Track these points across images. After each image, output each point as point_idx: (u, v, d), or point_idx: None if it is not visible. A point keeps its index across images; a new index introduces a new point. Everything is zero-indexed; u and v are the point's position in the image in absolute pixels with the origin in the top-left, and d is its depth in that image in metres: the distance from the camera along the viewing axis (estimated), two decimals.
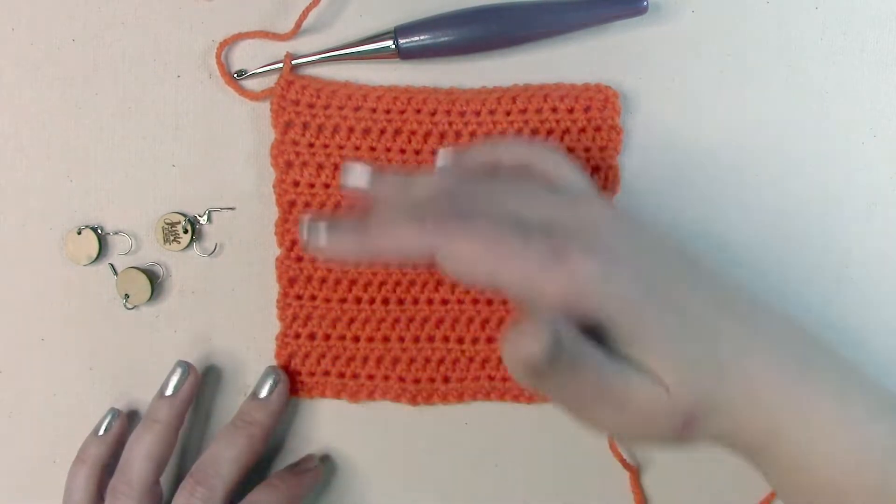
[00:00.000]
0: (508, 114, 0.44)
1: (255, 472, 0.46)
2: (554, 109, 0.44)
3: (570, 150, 0.45)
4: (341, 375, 0.45)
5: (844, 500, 0.35)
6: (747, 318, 0.36)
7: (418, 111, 0.44)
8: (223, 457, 0.42)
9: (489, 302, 0.45)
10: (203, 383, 0.46)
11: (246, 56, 0.46)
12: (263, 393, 0.44)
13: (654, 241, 0.37)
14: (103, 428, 0.44)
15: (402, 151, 0.44)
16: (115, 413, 0.45)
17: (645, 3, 0.44)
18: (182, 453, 0.46)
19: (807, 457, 0.35)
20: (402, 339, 0.45)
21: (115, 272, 0.46)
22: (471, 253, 0.34)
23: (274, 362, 0.45)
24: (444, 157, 0.41)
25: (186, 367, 0.44)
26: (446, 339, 0.45)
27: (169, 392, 0.44)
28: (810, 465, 0.35)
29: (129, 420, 0.46)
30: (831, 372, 0.36)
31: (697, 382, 0.34)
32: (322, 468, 0.45)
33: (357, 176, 0.39)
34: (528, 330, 0.31)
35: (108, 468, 0.44)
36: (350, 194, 0.39)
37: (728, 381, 0.34)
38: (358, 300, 0.45)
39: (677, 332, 0.34)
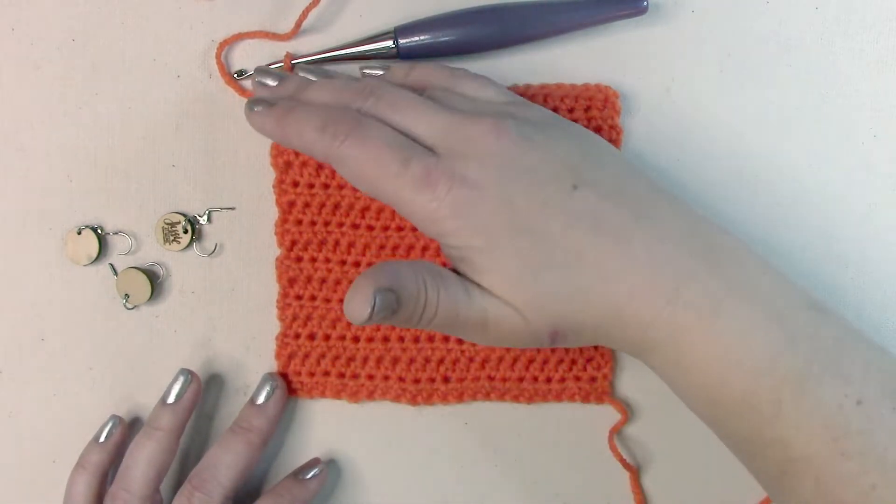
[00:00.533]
0: None
1: (256, 473, 0.46)
2: (554, 109, 0.44)
3: None
4: (341, 376, 0.45)
5: (715, 409, 0.37)
6: (621, 240, 0.36)
7: None
8: (221, 462, 0.42)
9: None
10: (202, 383, 0.46)
11: (246, 56, 0.46)
12: (261, 399, 0.44)
13: (540, 158, 0.37)
14: (104, 435, 0.44)
15: None
16: (116, 420, 0.45)
17: (645, 3, 0.44)
18: (180, 455, 0.46)
19: (677, 367, 0.37)
20: (401, 340, 0.45)
21: (115, 272, 0.46)
22: (356, 167, 0.37)
23: (274, 362, 0.45)
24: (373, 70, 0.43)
25: (189, 374, 0.44)
26: (446, 339, 0.45)
27: (171, 400, 0.44)
28: (683, 372, 0.37)
29: (129, 424, 0.46)
30: (712, 285, 0.36)
31: (554, 310, 0.36)
32: (327, 471, 0.45)
33: (268, 78, 0.42)
34: (356, 297, 0.35)
35: (108, 475, 0.44)
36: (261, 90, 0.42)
37: (591, 305, 0.36)
38: None
39: (531, 261, 0.36)
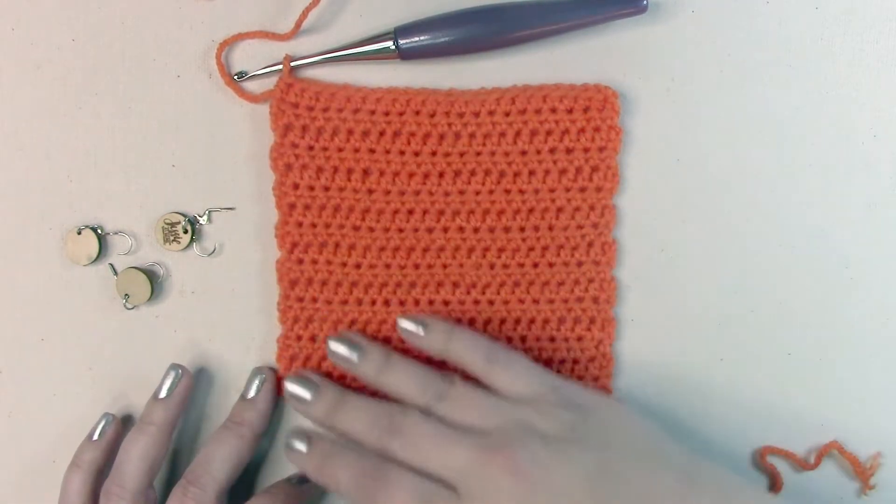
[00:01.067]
0: (508, 114, 0.44)
1: (255, 473, 0.46)
2: (553, 110, 0.44)
3: (570, 150, 0.45)
4: (342, 378, 0.45)
5: None
6: None
7: (417, 113, 0.44)
8: (215, 457, 0.43)
9: (490, 303, 0.45)
10: (202, 383, 0.46)
11: (246, 56, 0.46)
12: (251, 394, 0.45)
13: (558, 488, 0.37)
14: (97, 433, 0.44)
15: (402, 153, 0.44)
16: (109, 418, 0.45)
17: (645, 2, 0.44)
18: (178, 454, 0.46)
19: None
20: (402, 341, 0.45)
21: (115, 272, 0.46)
22: None
23: (274, 363, 0.45)
24: (407, 327, 0.44)
25: (180, 369, 0.44)
26: None
27: (163, 394, 0.44)
28: None
29: (125, 422, 0.46)
30: None
31: None
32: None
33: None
34: None
35: (102, 472, 0.44)
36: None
37: None
38: (359, 302, 0.45)
39: None
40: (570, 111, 0.44)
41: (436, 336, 0.43)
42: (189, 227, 0.45)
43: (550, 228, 0.45)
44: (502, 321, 0.45)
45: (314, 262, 0.45)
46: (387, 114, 0.44)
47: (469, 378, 0.42)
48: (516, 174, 0.45)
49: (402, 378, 0.42)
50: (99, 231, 0.46)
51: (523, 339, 0.45)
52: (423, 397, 0.41)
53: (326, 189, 0.45)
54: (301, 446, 0.41)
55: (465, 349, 0.42)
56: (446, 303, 0.45)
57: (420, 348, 0.43)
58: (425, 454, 0.39)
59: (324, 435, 0.42)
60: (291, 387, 0.43)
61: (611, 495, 0.37)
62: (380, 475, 0.39)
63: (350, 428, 0.41)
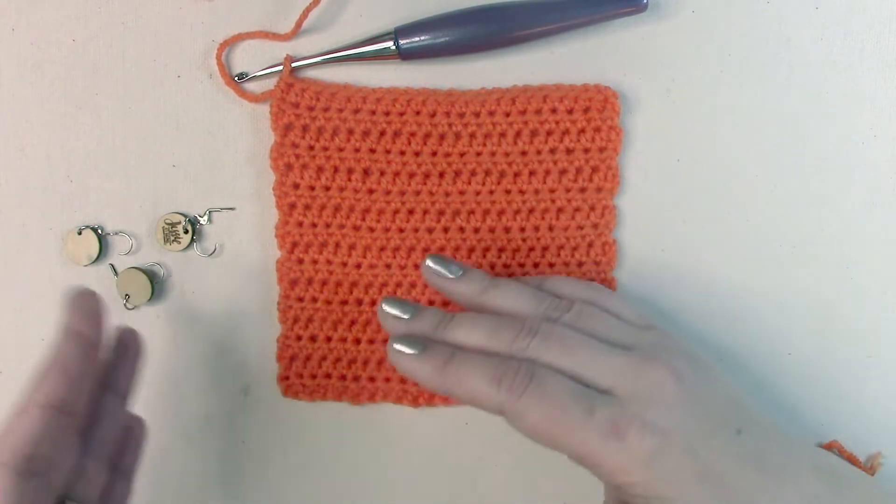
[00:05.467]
0: (508, 115, 0.44)
1: (256, 473, 0.46)
2: (553, 110, 0.44)
3: (570, 150, 0.45)
4: (343, 378, 0.45)
5: None
6: (785, 479, 0.36)
7: (418, 113, 0.44)
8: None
9: None
10: (202, 383, 0.46)
11: (246, 56, 0.46)
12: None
13: (711, 402, 0.37)
14: None
15: (402, 153, 0.44)
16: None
17: (644, 0, 0.44)
18: (177, 454, 0.46)
19: None
20: None
21: (116, 272, 0.46)
22: (537, 421, 0.36)
23: (275, 363, 0.45)
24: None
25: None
26: None
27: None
28: None
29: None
30: None
31: None
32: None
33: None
34: None
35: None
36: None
37: None
38: (359, 302, 0.45)
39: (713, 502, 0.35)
40: (570, 111, 0.44)
41: (529, 281, 0.42)
42: (189, 228, 0.45)
43: (550, 229, 0.45)
44: None
45: (314, 262, 0.45)
46: (387, 114, 0.44)
47: None
48: (516, 174, 0.45)
49: (512, 294, 0.40)
50: (99, 231, 0.46)
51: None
52: (539, 309, 0.39)
53: (326, 189, 0.45)
54: (411, 349, 0.37)
55: (564, 283, 0.41)
56: (446, 303, 0.45)
57: (452, 294, 0.41)
58: (575, 356, 0.37)
59: (438, 340, 0.38)
60: (388, 307, 0.39)
61: (748, 422, 0.37)
62: (528, 370, 0.36)
63: (469, 335, 0.38)
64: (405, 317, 0.39)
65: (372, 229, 0.45)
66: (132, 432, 0.42)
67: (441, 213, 0.45)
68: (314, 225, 0.45)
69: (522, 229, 0.45)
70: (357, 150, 0.44)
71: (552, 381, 0.36)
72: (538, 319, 0.38)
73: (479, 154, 0.45)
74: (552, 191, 0.45)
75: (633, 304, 0.42)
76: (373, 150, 0.44)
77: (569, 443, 0.36)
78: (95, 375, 0.39)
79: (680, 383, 0.36)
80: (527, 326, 0.38)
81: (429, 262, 0.41)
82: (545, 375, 0.36)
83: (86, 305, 0.38)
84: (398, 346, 0.38)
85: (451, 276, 0.40)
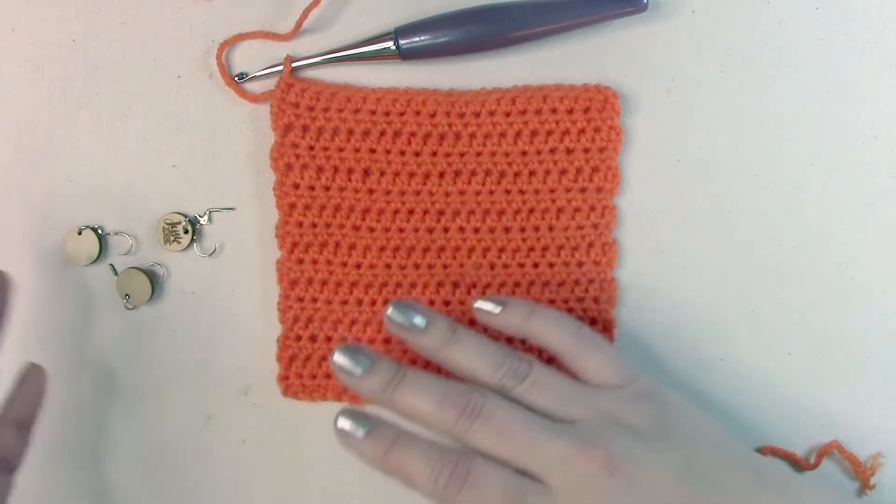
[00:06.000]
0: (508, 115, 0.44)
1: (256, 475, 0.46)
2: (553, 110, 0.44)
3: (570, 150, 0.45)
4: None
5: None
6: None
7: (418, 113, 0.44)
8: None
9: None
10: (202, 384, 0.46)
11: (246, 56, 0.46)
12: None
13: (650, 487, 0.37)
14: None
15: (402, 153, 0.44)
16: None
17: (645, 0, 0.44)
18: (178, 453, 0.46)
19: None
20: (402, 341, 0.45)
21: (116, 272, 0.46)
22: None
23: (275, 363, 0.45)
24: (481, 310, 0.42)
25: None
26: None
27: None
28: None
29: (124, 422, 0.46)
30: None
31: None
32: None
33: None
34: None
35: None
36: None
37: None
38: (359, 302, 0.45)
39: None
40: (570, 111, 0.44)
41: (516, 311, 0.41)
42: (189, 228, 0.45)
43: (551, 229, 0.45)
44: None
45: (314, 262, 0.45)
46: (387, 114, 0.44)
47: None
48: (516, 174, 0.45)
49: (472, 352, 0.39)
50: (99, 231, 0.46)
51: (524, 339, 0.45)
52: (495, 375, 0.39)
53: (326, 189, 0.45)
54: (358, 430, 0.38)
55: (550, 324, 0.41)
56: (446, 303, 0.45)
57: (498, 327, 0.41)
58: (512, 443, 0.37)
59: (384, 418, 0.39)
60: (340, 358, 0.39)
61: (698, 492, 0.37)
62: (463, 468, 0.37)
63: (415, 405, 0.38)
64: (356, 372, 0.39)
65: (372, 229, 0.45)
66: (28, 380, 0.42)
67: (441, 213, 0.45)
68: (314, 225, 0.45)
69: (522, 229, 0.45)
70: (357, 150, 0.44)
71: (485, 480, 0.37)
72: (481, 398, 0.38)
73: (479, 154, 0.45)
74: (552, 191, 0.45)
75: (622, 355, 0.41)
76: (373, 150, 0.44)
77: None
78: None
79: (612, 473, 0.36)
80: (470, 406, 0.38)
81: (389, 313, 0.40)
82: (480, 473, 0.37)
83: None
84: (342, 426, 0.38)
85: (413, 327, 0.40)
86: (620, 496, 0.36)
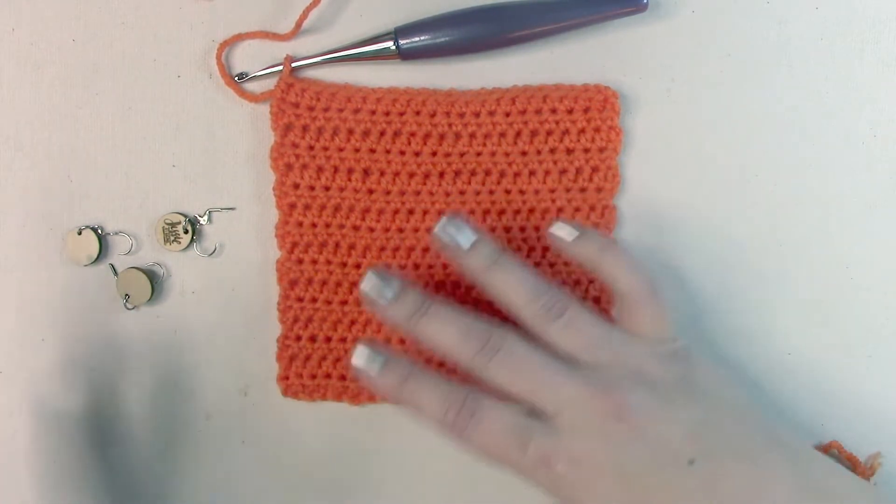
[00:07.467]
0: (508, 115, 0.44)
1: (256, 475, 0.46)
2: (553, 110, 0.44)
3: (570, 150, 0.45)
4: (343, 378, 0.45)
5: None
6: None
7: (417, 113, 0.44)
8: None
9: (491, 303, 0.45)
10: (202, 384, 0.46)
11: (246, 56, 0.46)
12: None
13: (660, 436, 0.37)
14: None
15: (402, 153, 0.45)
16: None
17: (645, 0, 0.44)
18: (178, 453, 0.46)
19: None
20: (402, 342, 0.45)
21: (116, 272, 0.46)
22: (475, 451, 0.38)
23: (274, 363, 0.45)
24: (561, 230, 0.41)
25: None
26: None
27: None
28: None
29: (125, 421, 0.46)
30: None
31: None
32: None
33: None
34: None
35: None
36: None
37: None
38: (359, 302, 0.45)
39: None
40: (570, 111, 0.44)
41: (591, 242, 0.40)
42: (189, 228, 0.45)
43: None
44: (502, 322, 0.45)
45: (314, 262, 0.45)
46: (387, 114, 0.44)
47: None
48: (516, 174, 0.45)
49: (514, 279, 0.40)
50: (99, 231, 0.46)
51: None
52: (532, 307, 0.39)
53: (326, 189, 0.45)
54: (372, 366, 0.39)
55: (622, 263, 0.40)
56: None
57: (570, 255, 0.41)
58: (527, 380, 0.38)
59: (399, 353, 0.40)
60: (370, 282, 0.40)
61: (707, 450, 0.37)
62: (471, 405, 0.38)
63: (438, 334, 0.39)
64: (384, 298, 0.39)
65: (372, 229, 0.45)
66: None
67: (441, 213, 0.45)
68: (314, 225, 0.45)
69: (522, 229, 0.45)
70: (357, 150, 0.44)
71: (492, 417, 0.38)
72: (502, 335, 0.38)
73: (479, 154, 0.45)
74: (552, 191, 0.45)
75: (673, 316, 0.41)
76: (373, 150, 0.44)
77: (504, 466, 0.38)
78: None
79: (621, 420, 0.37)
80: (491, 342, 0.38)
81: (438, 229, 0.40)
82: (487, 410, 0.38)
83: None
84: (357, 363, 0.39)
85: (459, 246, 0.40)
86: (625, 444, 0.36)
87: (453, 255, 0.40)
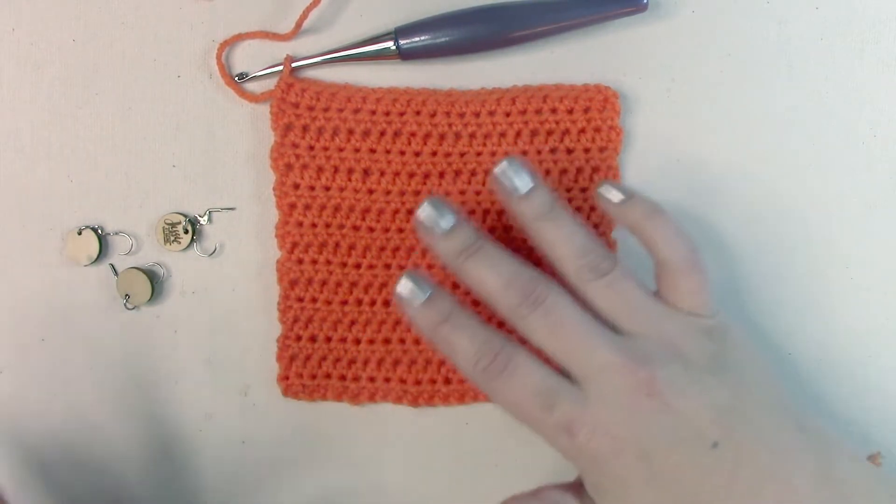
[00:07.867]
0: (508, 115, 0.44)
1: (255, 476, 0.46)
2: (553, 110, 0.44)
3: (570, 150, 0.45)
4: (342, 378, 0.45)
5: None
6: (752, 499, 0.36)
7: (418, 113, 0.44)
8: None
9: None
10: (202, 384, 0.46)
11: (246, 56, 0.46)
12: None
13: (686, 416, 0.36)
14: None
15: (402, 153, 0.45)
16: None
17: (645, 0, 0.44)
18: (178, 453, 0.46)
19: None
20: (402, 342, 0.45)
21: (116, 272, 0.46)
22: (503, 400, 0.38)
23: (274, 363, 0.45)
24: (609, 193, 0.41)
25: None
26: None
27: None
28: None
29: (124, 421, 0.46)
30: None
31: None
32: None
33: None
34: None
35: None
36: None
37: None
38: (359, 302, 0.45)
39: None
40: (570, 111, 0.44)
41: (638, 207, 0.40)
42: (189, 228, 0.45)
43: None
44: (502, 322, 0.45)
45: (314, 262, 0.45)
46: (387, 114, 0.44)
47: None
48: None
49: (564, 232, 0.39)
50: (99, 231, 0.46)
51: (523, 339, 0.45)
52: (577, 262, 0.38)
53: (326, 189, 0.45)
54: (417, 296, 0.38)
55: (669, 231, 0.39)
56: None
57: (616, 217, 0.41)
58: (563, 340, 0.37)
59: (445, 289, 0.39)
60: (425, 210, 0.39)
61: (732, 434, 0.36)
62: (504, 357, 0.38)
63: (484, 277, 0.38)
64: (440, 229, 0.39)
65: (372, 229, 0.45)
66: None
67: None
68: (314, 225, 0.45)
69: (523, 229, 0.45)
70: (357, 150, 0.44)
71: (522, 374, 0.37)
72: (547, 289, 0.38)
73: (479, 154, 0.45)
74: (552, 190, 0.45)
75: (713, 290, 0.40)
76: (373, 150, 0.44)
77: (527, 423, 0.38)
78: None
79: (650, 395, 0.36)
80: (535, 294, 0.38)
81: (497, 171, 0.40)
82: (517, 366, 0.37)
83: None
84: (401, 290, 0.39)
85: (515, 189, 0.39)
86: (651, 419, 0.36)
87: (508, 199, 0.40)
